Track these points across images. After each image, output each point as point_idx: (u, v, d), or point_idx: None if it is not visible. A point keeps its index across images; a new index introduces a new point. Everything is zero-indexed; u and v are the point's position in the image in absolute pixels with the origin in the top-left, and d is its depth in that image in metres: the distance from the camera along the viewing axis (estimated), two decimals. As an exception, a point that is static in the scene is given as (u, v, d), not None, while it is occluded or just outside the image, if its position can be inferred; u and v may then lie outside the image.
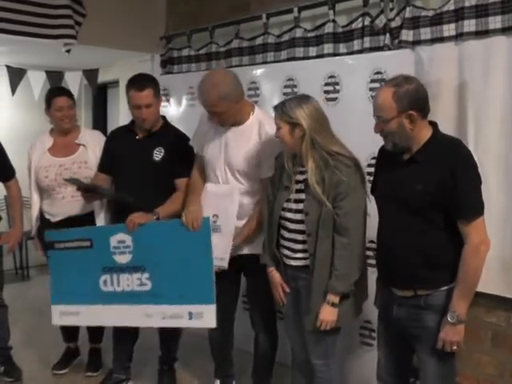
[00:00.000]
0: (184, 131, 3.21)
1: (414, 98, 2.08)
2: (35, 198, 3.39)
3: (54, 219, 3.35)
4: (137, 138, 3.14)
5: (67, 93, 3.43)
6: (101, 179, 3.18)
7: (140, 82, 3.03)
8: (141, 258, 2.87)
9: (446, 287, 2.12)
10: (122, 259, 2.91)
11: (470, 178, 2.05)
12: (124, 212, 2.93)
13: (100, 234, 2.97)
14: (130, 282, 2.91)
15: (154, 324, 2.93)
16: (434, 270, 2.11)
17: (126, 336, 3.26)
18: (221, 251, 2.73)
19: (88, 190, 2.98)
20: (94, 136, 3.49)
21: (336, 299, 2.35)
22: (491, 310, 2.79)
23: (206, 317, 2.77)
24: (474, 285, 2.08)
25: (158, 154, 3.05)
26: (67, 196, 3.33)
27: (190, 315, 2.81)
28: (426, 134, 2.14)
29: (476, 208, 2.06)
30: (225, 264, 2.74)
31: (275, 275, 2.59)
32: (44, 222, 3.40)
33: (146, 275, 2.87)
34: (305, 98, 2.40)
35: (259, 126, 2.72)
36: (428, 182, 2.07)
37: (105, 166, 3.24)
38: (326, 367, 2.51)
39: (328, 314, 2.36)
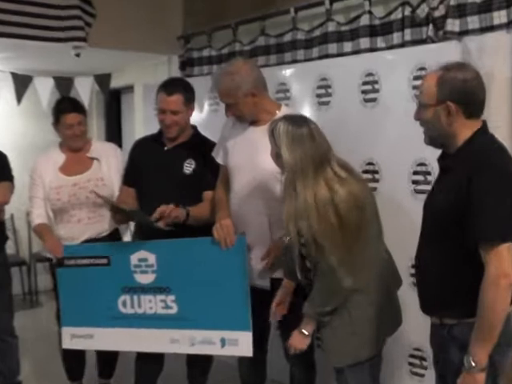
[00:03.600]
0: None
1: (457, 89, 1.99)
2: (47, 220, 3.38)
3: (69, 243, 3.34)
4: (165, 148, 3.19)
5: (77, 107, 3.42)
6: (129, 194, 3.23)
7: (171, 85, 3.11)
8: (165, 279, 2.90)
9: (471, 319, 1.97)
10: (144, 279, 2.93)
11: (492, 192, 1.89)
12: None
13: (118, 251, 3.01)
14: (153, 304, 2.93)
15: (181, 350, 2.94)
16: (457, 295, 2.03)
17: (150, 367, 3.26)
18: (260, 270, 2.76)
19: (118, 211, 3.05)
20: (106, 148, 3.54)
21: (306, 326, 2.43)
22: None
23: (241, 344, 2.77)
24: (493, 324, 1.91)
25: (189, 167, 3.11)
26: (83, 218, 3.36)
27: (223, 342, 2.82)
28: (465, 135, 2.03)
29: (496, 230, 1.88)
30: (267, 284, 2.76)
31: (287, 285, 2.65)
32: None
33: (172, 297, 2.89)
34: (299, 125, 2.34)
35: None
36: (447, 194, 2.01)
37: (131, 178, 3.30)
38: None
39: (296, 340, 2.46)
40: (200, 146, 3.16)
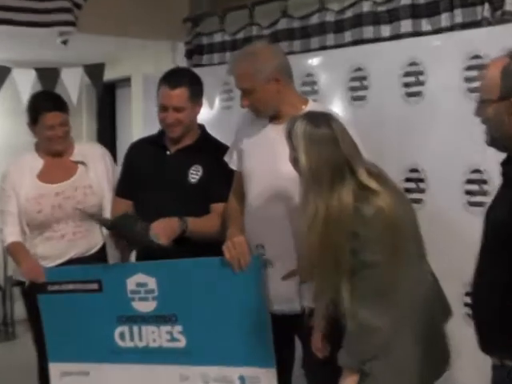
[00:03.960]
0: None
1: None
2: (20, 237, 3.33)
3: (50, 263, 3.32)
4: (167, 153, 3.17)
5: (59, 104, 3.36)
6: (123, 207, 3.19)
7: (174, 77, 3.08)
8: (169, 306, 2.88)
9: None
10: (144, 307, 2.92)
11: None
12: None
13: (112, 274, 2.99)
14: (156, 335, 2.92)
15: None
16: None
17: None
18: (285, 291, 2.71)
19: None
20: (92, 150, 3.53)
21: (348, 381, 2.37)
22: None
23: (263, 383, 2.77)
24: None
25: (195, 174, 3.08)
26: (68, 233, 3.33)
27: (243, 380, 2.80)
28: None
29: None
30: (296, 307, 2.71)
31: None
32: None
33: (179, 328, 2.88)
34: (319, 126, 2.33)
35: None
36: (503, 208, 2.02)
37: (126, 188, 3.26)
38: None
39: None
40: (208, 149, 3.13)
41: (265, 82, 2.69)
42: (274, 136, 2.73)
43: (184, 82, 3.04)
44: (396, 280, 2.27)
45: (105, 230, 3.13)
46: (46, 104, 3.33)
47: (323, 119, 2.35)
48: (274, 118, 2.80)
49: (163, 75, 3.12)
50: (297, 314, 2.72)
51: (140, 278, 2.90)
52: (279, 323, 2.74)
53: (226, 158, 3.01)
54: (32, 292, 3.13)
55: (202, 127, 3.25)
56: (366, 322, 2.27)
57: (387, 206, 2.25)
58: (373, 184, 2.29)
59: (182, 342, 2.89)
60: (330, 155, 2.27)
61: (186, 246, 2.92)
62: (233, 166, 2.97)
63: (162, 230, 2.87)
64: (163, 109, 3.05)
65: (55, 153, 3.38)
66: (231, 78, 2.97)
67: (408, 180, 3.21)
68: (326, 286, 2.32)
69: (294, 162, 2.36)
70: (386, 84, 3.32)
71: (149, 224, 2.87)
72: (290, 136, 2.36)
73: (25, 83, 5.05)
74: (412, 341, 2.35)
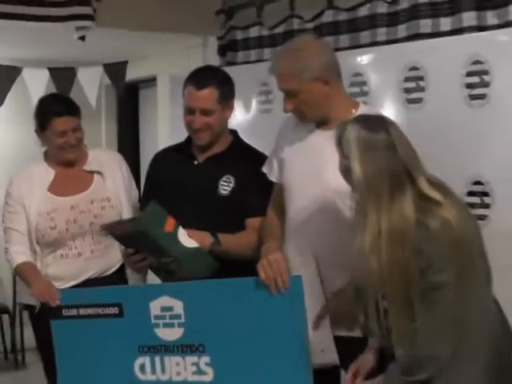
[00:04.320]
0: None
1: None
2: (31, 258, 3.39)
3: (64, 285, 3.39)
4: (195, 162, 3.22)
5: (71, 108, 3.40)
6: None
7: (201, 76, 3.13)
8: (197, 334, 2.88)
9: None
10: (169, 335, 2.92)
11: None
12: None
13: (134, 297, 3.01)
14: (181, 368, 2.92)
15: None
16: None
17: None
18: (318, 338, 2.73)
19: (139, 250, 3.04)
20: (108, 157, 3.59)
21: None
22: None
23: None
24: None
25: (226, 186, 3.12)
26: (85, 251, 3.40)
27: None
28: None
29: None
30: (333, 357, 2.73)
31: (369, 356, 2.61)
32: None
33: (206, 359, 2.88)
34: (375, 131, 2.34)
35: None
36: None
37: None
38: None
39: None
40: (241, 157, 3.17)
41: (311, 82, 2.72)
42: (321, 143, 2.77)
43: (212, 81, 3.07)
44: (465, 303, 2.28)
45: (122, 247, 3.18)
46: (56, 108, 3.37)
47: (378, 123, 2.37)
48: (322, 123, 2.83)
49: (189, 74, 3.16)
50: (333, 366, 2.75)
51: (165, 301, 2.90)
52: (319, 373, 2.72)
53: (265, 169, 3.05)
54: (44, 317, 3.16)
55: (234, 133, 3.29)
56: (426, 350, 2.30)
57: (453, 219, 2.26)
58: (435, 194, 2.30)
59: (209, 376, 2.88)
60: (387, 163, 2.28)
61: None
62: (273, 177, 3.01)
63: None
64: (189, 112, 3.09)
65: (67, 162, 3.44)
66: (271, 78, 2.98)
67: (471, 194, 3.21)
68: (396, 311, 2.32)
69: (346, 171, 2.37)
70: (446, 85, 3.33)
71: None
72: (340, 143, 2.37)
73: (37, 85, 5.14)
74: (475, 373, 2.36)
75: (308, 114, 2.80)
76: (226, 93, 3.12)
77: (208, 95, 3.06)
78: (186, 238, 2.92)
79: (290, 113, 2.84)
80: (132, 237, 3.01)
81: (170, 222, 2.93)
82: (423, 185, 2.31)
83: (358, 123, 2.36)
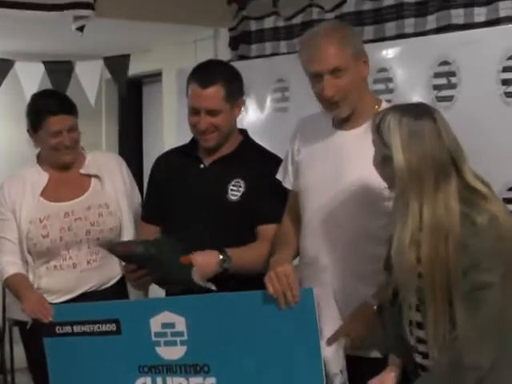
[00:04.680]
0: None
1: None
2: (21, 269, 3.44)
3: (58, 299, 3.44)
4: (201, 166, 3.24)
5: (66, 106, 3.44)
6: (151, 235, 3.23)
7: (205, 73, 3.14)
8: (201, 353, 2.91)
9: None
10: (171, 353, 2.94)
11: None
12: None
13: (133, 313, 3.04)
14: None
15: None
16: None
17: None
18: (331, 361, 2.73)
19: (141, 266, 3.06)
20: (107, 159, 3.64)
21: None
22: None
23: None
24: None
25: (236, 190, 3.13)
26: (81, 262, 3.44)
27: None
28: None
29: None
30: (344, 380, 2.74)
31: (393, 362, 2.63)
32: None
33: (212, 380, 2.90)
34: (419, 116, 2.39)
35: None
36: None
37: (152, 211, 3.36)
38: None
39: None
40: (252, 158, 3.20)
41: (357, 58, 2.77)
42: (341, 145, 2.83)
43: (218, 78, 3.08)
44: (509, 306, 2.31)
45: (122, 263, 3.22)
46: (49, 105, 3.41)
47: (422, 109, 2.43)
48: (341, 122, 2.86)
49: (192, 70, 3.17)
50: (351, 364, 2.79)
51: (166, 317, 2.92)
52: None
53: (279, 176, 3.09)
54: (36, 334, 3.19)
55: (243, 132, 3.32)
56: (468, 359, 2.31)
57: (500, 215, 2.30)
58: (481, 186, 2.35)
59: None
60: (433, 151, 2.33)
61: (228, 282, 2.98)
62: (288, 184, 3.04)
63: (199, 267, 2.92)
64: (194, 112, 3.11)
65: (62, 165, 3.49)
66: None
67: (507, 201, 3.18)
68: (434, 312, 2.34)
69: (383, 161, 2.42)
70: (480, 81, 3.35)
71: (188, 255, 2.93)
72: (378, 130, 2.42)
73: (31, 79, 5.17)
74: None
75: (349, 97, 2.78)
76: (234, 90, 3.14)
77: (214, 94, 3.07)
78: (199, 277, 2.92)
79: (333, 95, 2.76)
80: (139, 257, 3.01)
81: (187, 257, 2.94)
82: (469, 175, 2.37)
83: (399, 110, 2.43)
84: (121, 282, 3.48)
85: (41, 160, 3.54)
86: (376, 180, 2.60)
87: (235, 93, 3.14)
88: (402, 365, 2.60)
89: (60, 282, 3.43)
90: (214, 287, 2.92)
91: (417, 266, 2.34)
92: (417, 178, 2.32)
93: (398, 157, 2.33)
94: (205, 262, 2.94)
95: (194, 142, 3.27)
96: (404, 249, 2.35)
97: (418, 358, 2.52)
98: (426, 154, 2.32)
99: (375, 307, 2.73)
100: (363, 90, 2.85)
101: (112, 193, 3.49)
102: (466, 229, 2.27)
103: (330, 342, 2.74)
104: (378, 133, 2.41)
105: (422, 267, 2.33)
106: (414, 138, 2.33)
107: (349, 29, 2.88)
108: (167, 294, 3.27)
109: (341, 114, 2.82)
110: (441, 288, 2.30)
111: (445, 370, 2.36)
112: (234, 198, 3.12)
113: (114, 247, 3.13)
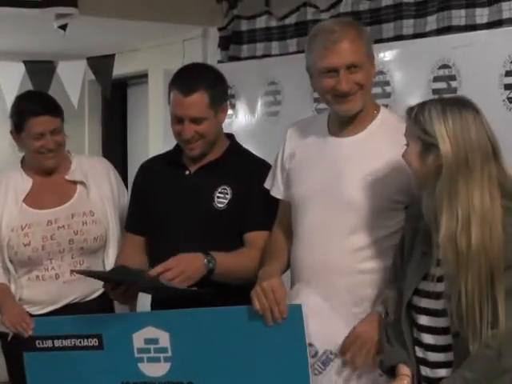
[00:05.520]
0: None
1: None
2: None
3: (40, 311, 3.41)
4: (186, 172, 3.21)
5: (51, 107, 3.43)
6: (136, 245, 3.26)
7: (187, 79, 3.10)
8: (186, 370, 2.91)
9: None
10: (154, 370, 2.94)
11: None
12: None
13: (115, 328, 3.03)
14: None
15: None
16: None
17: None
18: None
19: (119, 283, 3.03)
20: (94, 165, 3.61)
21: None
22: None
23: None
24: None
25: (223, 198, 3.11)
26: (64, 272, 3.39)
27: None
28: None
29: None
30: None
31: (404, 371, 2.58)
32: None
33: None
34: (462, 105, 2.46)
35: (393, 130, 2.72)
36: None
37: (136, 221, 3.32)
38: None
39: None
40: (239, 164, 3.17)
41: (369, 58, 2.79)
42: (337, 153, 2.80)
43: (201, 84, 3.05)
44: None
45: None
46: (32, 106, 3.39)
47: (464, 100, 2.51)
48: (341, 126, 2.83)
49: (173, 76, 3.15)
50: None
51: (150, 332, 2.93)
52: None
53: (267, 184, 3.05)
54: (18, 346, 3.17)
55: (230, 137, 3.29)
56: (505, 359, 2.34)
57: None
58: None
59: None
60: (479, 139, 2.40)
61: (213, 288, 2.92)
62: (277, 194, 3.01)
63: (179, 273, 2.86)
64: (178, 120, 3.08)
65: (46, 170, 3.46)
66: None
67: None
68: (479, 305, 2.36)
69: (425, 151, 2.44)
70: (482, 86, 3.34)
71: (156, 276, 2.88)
72: (416, 121, 2.45)
73: (10, 80, 5.18)
74: None
75: (363, 94, 2.77)
76: (218, 95, 3.12)
77: (197, 101, 3.04)
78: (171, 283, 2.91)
79: (351, 89, 2.73)
80: (111, 279, 3.07)
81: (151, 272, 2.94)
82: (506, 166, 2.46)
83: (438, 101, 2.50)
84: (106, 294, 3.35)
85: (25, 164, 3.51)
86: (377, 190, 2.67)
87: (219, 98, 3.12)
88: (412, 374, 2.58)
89: (42, 294, 3.40)
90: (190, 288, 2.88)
91: (467, 254, 2.37)
92: (464, 166, 2.37)
93: (446, 144, 2.38)
94: (189, 263, 2.91)
95: (178, 147, 3.23)
96: (454, 236, 2.37)
97: (424, 372, 2.54)
98: (473, 141, 2.38)
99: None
100: (370, 91, 2.86)
101: (98, 200, 3.45)
102: (508, 222, 2.34)
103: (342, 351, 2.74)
104: (417, 123, 2.44)
105: (470, 255, 2.36)
106: (459, 126, 2.39)
107: (361, 27, 2.89)
108: (152, 308, 3.26)
109: (351, 111, 2.79)
110: (486, 279, 2.34)
111: (481, 369, 2.38)
112: (220, 205, 3.10)
113: (87, 274, 3.19)
